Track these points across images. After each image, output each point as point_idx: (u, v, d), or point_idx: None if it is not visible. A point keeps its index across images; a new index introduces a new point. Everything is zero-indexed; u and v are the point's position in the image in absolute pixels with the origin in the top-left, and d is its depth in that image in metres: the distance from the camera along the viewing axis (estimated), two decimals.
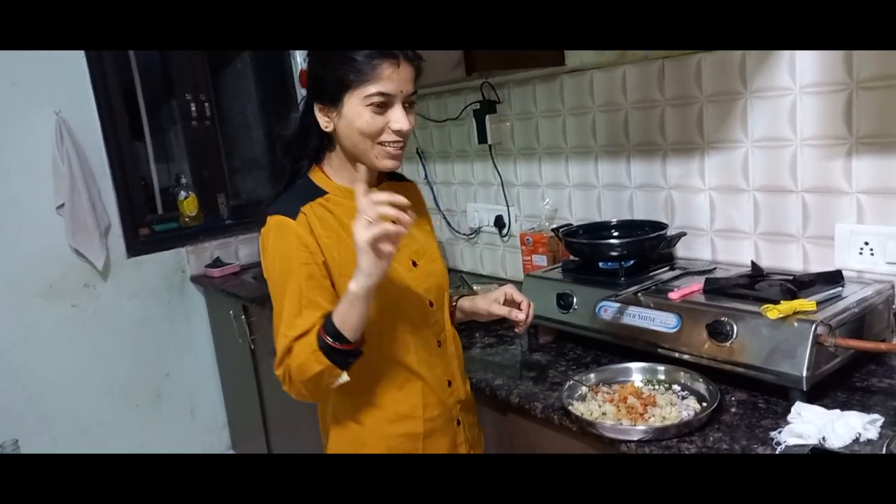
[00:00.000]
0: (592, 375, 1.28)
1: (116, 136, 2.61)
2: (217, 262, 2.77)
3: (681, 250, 1.65)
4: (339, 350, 1.01)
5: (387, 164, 1.08)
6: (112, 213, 2.59)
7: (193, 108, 2.88)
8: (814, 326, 1.10)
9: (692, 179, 1.61)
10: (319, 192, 1.11)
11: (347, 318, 1.01)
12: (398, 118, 1.05)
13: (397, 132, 1.06)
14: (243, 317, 2.43)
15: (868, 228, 1.32)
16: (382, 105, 1.04)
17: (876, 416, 1.03)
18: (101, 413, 2.59)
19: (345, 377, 1.04)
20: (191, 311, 2.78)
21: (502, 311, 1.24)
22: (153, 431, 2.72)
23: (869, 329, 1.23)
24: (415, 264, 1.17)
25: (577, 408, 1.18)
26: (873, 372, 1.23)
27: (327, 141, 1.13)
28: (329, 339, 1.00)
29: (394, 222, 0.96)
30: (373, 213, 0.95)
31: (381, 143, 1.06)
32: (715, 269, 1.51)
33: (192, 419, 2.82)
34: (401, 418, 1.14)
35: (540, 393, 1.30)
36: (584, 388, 1.25)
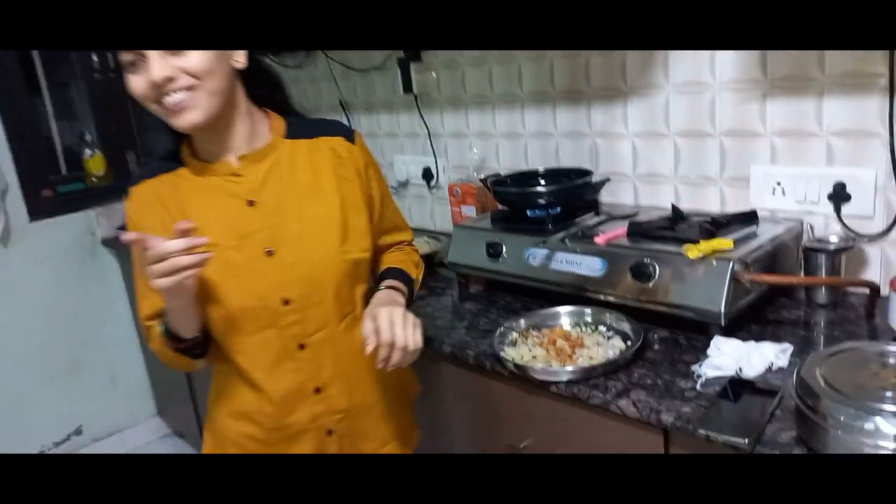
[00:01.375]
0: (522, 321, 1.30)
1: (10, 91, 2.40)
2: None
3: (605, 196, 1.67)
4: (179, 347, 0.98)
5: (176, 121, 0.93)
6: (9, 175, 2.39)
7: (95, 59, 2.67)
8: (731, 264, 1.14)
9: (616, 126, 1.62)
10: (174, 165, 1.02)
11: (173, 321, 0.96)
12: (154, 71, 0.88)
13: (160, 84, 0.89)
14: None
15: (780, 170, 1.37)
16: (134, 63, 0.91)
17: (786, 345, 1.09)
18: (13, 386, 2.44)
19: (201, 363, 1.02)
20: (105, 275, 2.64)
21: (366, 327, 0.97)
22: (72, 400, 2.60)
23: (780, 264, 1.29)
24: (270, 253, 0.99)
25: (509, 353, 1.19)
26: (784, 305, 1.30)
27: None
28: (166, 339, 0.98)
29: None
30: (156, 272, 0.85)
31: (160, 103, 0.91)
32: (637, 213, 1.54)
33: (113, 387, 2.71)
34: (242, 416, 1.07)
35: (472, 341, 1.31)
36: (515, 334, 1.26)
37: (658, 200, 1.59)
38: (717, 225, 1.30)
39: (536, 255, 1.42)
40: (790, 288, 1.33)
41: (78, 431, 2.64)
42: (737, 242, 1.21)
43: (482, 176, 1.83)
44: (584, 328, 1.28)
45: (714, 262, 1.16)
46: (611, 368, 1.11)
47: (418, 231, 2.17)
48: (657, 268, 1.22)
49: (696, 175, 1.51)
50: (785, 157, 1.36)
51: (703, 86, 1.44)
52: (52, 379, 2.54)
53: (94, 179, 2.66)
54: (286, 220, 1.00)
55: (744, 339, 1.14)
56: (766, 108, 1.36)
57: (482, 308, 1.48)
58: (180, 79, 0.90)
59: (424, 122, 2.08)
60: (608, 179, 1.59)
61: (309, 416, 1.06)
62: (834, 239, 1.28)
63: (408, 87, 2.04)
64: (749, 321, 1.23)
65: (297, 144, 1.05)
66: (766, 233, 1.29)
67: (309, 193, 1.03)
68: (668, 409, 0.98)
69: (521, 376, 1.15)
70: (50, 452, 2.57)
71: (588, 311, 1.30)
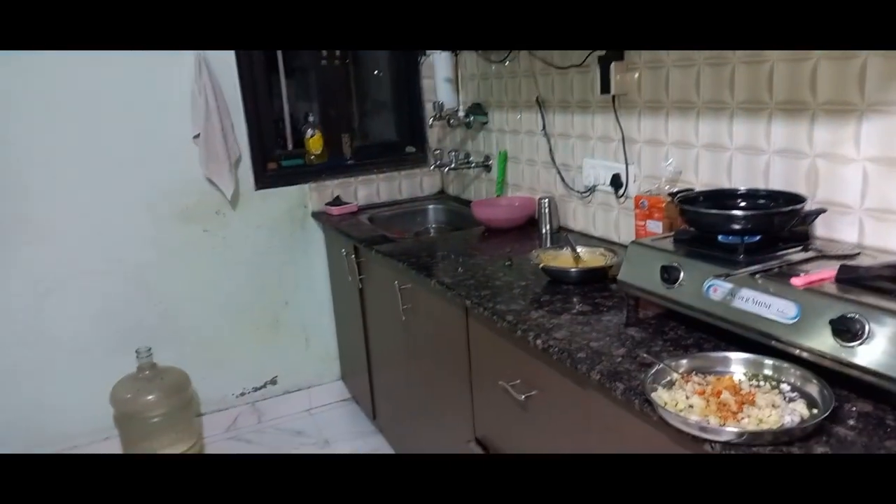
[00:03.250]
0: (685, 361, 1.15)
1: (252, 73, 2.72)
2: (337, 201, 2.84)
3: (821, 229, 1.42)
4: None
5: None
6: (243, 147, 2.72)
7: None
8: None
9: (844, 147, 1.36)
10: None
11: None
12: None
13: None
14: (353, 256, 2.49)
15: None
16: None
17: None
18: (224, 331, 2.81)
19: None
20: (309, 245, 2.90)
21: None
22: (270, 354, 2.91)
23: None
24: None
25: (661, 395, 1.07)
26: None
27: None
28: None
29: None
30: None
31: None
32: (859, 254, 1.28)
33: (306, 347, 2.98)
34: None
35: (625, 373, 1.19)
36: (675, 375, 1.13)
37: (889, 242, 1.31)
38: None
39: (718, 288, 1.25)
40: None
41: (273, 381, 2.95)
42: None
43: (673, 189, 1.67)
44: (761, 382, 1.10)
45: None
46: (783, 439, 0.94)
47: (598, 241, 2.06)
48: (867, 326, 1.00)
49: None
50: None
51: None
52: (256, 332, 2.87)
53: (311, 157, 2.92)
54: None
55: None
56: None
57: (647, 337, 1.35)
58: None
59: (620, 126, 1.95)
60: (824, 210, 1.35)
61: None
62: None
63: (606, 87, 1.92)
64: None
65: None
66: None
67: None
68: None
69: (670, 425, 1.02)
70: (249, 395, 2.91)
71: (769, 362, 1.11)
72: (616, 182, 2.00)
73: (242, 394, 2.91)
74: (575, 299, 1.59)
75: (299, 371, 2.98)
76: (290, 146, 2.96)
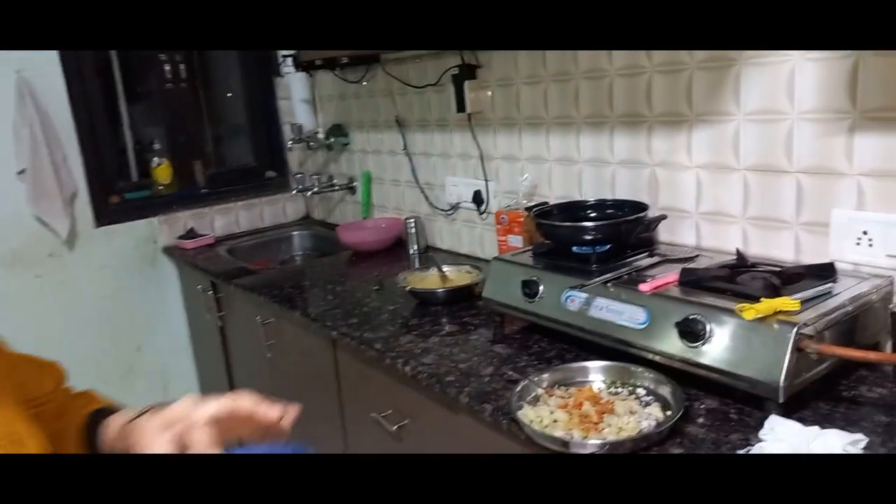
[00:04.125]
0: (547, 375, 1.15)
1: (86, 98, 2.48)
2: (191, 234, 2.65)
3: (664, 234, 1.50)
4: None
5: None
6: (79, 180, 2.47)
7: (168, 70, 2.74)
8: (794, 330, 0.96)
9: (678, 155, 1.45)
10: None
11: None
12: None
13: None
14: (211, 292, 2.33)
15: (868, 216, 1.16)
16: None
17: (859, 436, 0.89)
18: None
19: None
20: (163, 283, 2.68)
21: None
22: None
23: (863, 330, 1.09)
24: None
25: (527, 413, 1.06)
26: (863, 379, 1.09)
27: None
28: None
29: None
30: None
31: None
32: (697, 256, 1.36)
33: (164, 394, 2.74)
34: None
35: (493, 393, 1.18)
36: (539, 390, 1.12)
37: (723, 243, 1.40)
38: (785, 279, 1.11)
39: (575, 299, 1.28)
40: None
41: None
42: (806, 302, 1.03)
43: (530, 203, 1.70)
44: (619, 388, 1.12)
45: (775, 327, 0.98)
46: (642, 445, 0.95)
47: (465, 258, 2.06)
48: (708, 326, 1.05)
49: (768, 217, 1.32)
50: (874, 201, 1.15)
51: (779, 115, 1.25)
52: (106, 383, 2.59)
53: (160, 188, 2.72)
54: None
55: (807, 420, 0.96)
56: (854, 143, 1.16)
57: (513, 353, 1.34)
58: None
59: (477, 143, 1.97)
60: (664, 217, 1.42)
61: None
62: None
63: (461, 105, 1.94)
64: (817, 397, 1.03)
65: None
66: (845, 291, 1.09)
67: None
68: None
69: (537, 443, 1.01)
70: None
71: (624, 369, 1.14)
72: (477, 198, 2.01)
73: None
74: (444, 320, 1.57)
75: None
76: (134, 177, 2.74)
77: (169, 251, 2.65)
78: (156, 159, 2.70)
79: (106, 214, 2.55)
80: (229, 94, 2.98)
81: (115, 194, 2.61)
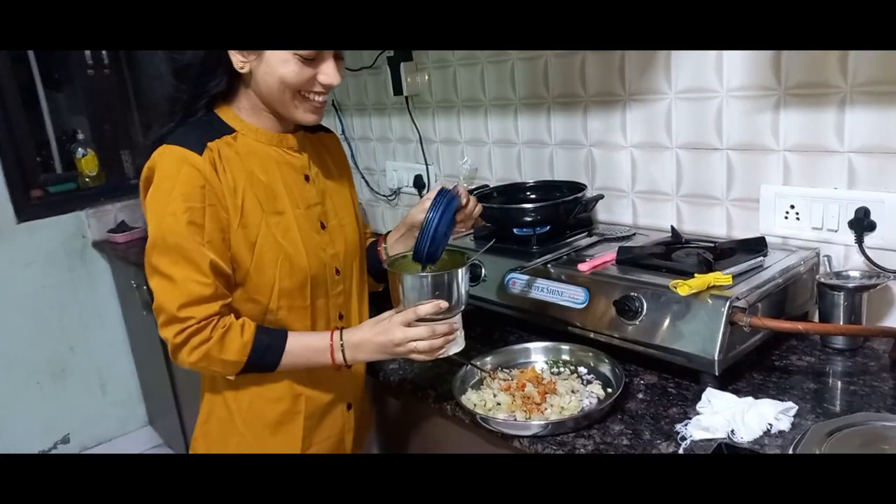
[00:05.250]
0: (490, 358, 1.15)
1: None
2: (122, 227, 2.54)
3: (602, 214, 1.52)
4: (262, 364, 0.97)
5: (309, 118, 1.00)
6: None
7: (88, 55, 2.60)
8: (727, 304, 0.98)
9: (614, 136, 1.46)
10: (226, 129, 0.98)
11: (291, 359, 0.98)
12: (330, 72, 0.96)
13: (327, 86, 0.97)
14: (145, 287, 2.24)
15: (794, 190, 1.20)
16: (312, 56, 0.94)
17: (790, 404, 0.92)
18: None
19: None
20: (95, 279, 2.57)
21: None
22: (59, 408, 2.53)
23: (792, 300, 1.13)
24: (323, 226, 1.06)
25: (470, 397, 1.05)
26: (793, 348, 1.13)
27: (239, 80, 0.98)
28: (256, 356, 0.95)
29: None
30: (404, 349, 0.96)
31: (303, 96, 0.97)
32: (634, 234, 1.38)
33: (102, 394, 2.64)
34: (279, 400, 1.04)
35: (437, 378, 1.17)
36: (482, 373, 1.12)
37: (659, 220, 1.42)
38: (717, 254, 1.14)
39: (517, 281, 1.27)
40: None
41: (65, 440, 2.57)
42: (738, 276, 1.05)
43: (471, 187, 1.69)
44: (561, 368, 1.13)
45: (709, 301, 1.00)
46: (584, 423, 0.96)
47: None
48: (645, 303, 1.07)
49: (700, 194, 1.34)
50: (800, 176, 1.19)
51: (708, 93, 1.27)
52: (38, 385, 2.48)
53: (86, 179, 2.59)
54: (327, 198, 1.08)
55: (742, 390, 0.99)
56: (780, 119, 1.19)
57: None
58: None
59: (416, 126, 1.94)
60: (601, 196, 1.44)
61: (341, 387, 1.10)
62: (854, 273, 1.11)
63: (398, 88, 1.90)
64: (751, 367, 1.06)
65: (307, 136, 1.10)
66: (775, 264, 1.12)
67: (334, 178, 1.11)
68: None
69: (481, 426, 1.01)
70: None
71: (566, 349, 1.15)
72: (419, 183, 1.99)
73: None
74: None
75: (97, 423, 2.63)
76: (58, 169, 2.60)
77: (99, 246, 2.53)
78: (80, 150, 2.57)
79: (27, 209, 2.42)
80: (159, 79, 2.85)
81: (38, 187, 2.47)
